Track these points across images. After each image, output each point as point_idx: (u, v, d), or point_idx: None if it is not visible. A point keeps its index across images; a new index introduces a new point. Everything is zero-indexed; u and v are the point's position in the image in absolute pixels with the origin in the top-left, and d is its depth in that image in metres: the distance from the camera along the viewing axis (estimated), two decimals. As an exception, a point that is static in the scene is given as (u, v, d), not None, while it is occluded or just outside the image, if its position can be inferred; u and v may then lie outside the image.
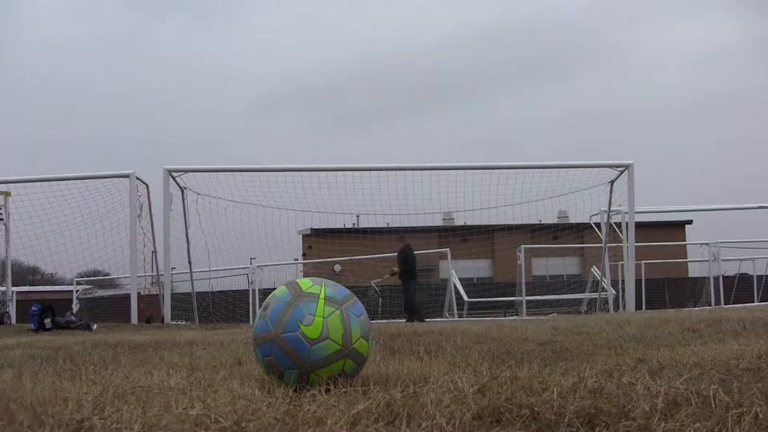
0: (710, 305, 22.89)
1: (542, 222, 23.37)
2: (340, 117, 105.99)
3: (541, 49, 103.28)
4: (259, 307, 2.89)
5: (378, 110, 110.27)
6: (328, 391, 2.45)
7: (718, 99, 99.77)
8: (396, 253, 16.31)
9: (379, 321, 14.46)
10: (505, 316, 21.87)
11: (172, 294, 17.35)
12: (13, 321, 16.61)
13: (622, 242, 19.16)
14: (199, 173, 16.52)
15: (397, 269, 15.83)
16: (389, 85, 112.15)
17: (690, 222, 37.94)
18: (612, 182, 17.14)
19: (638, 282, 21.92)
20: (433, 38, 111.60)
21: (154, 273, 19.09)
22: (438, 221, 27.24)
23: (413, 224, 19.83)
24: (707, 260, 25.74)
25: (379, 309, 21.06)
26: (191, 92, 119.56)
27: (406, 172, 17.19)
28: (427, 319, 15.52)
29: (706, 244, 25.92)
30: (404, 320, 14.63)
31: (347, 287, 2.89)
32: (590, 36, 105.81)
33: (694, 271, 30.00)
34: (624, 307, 17.80)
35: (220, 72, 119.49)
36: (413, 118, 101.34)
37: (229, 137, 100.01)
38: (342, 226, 22.80)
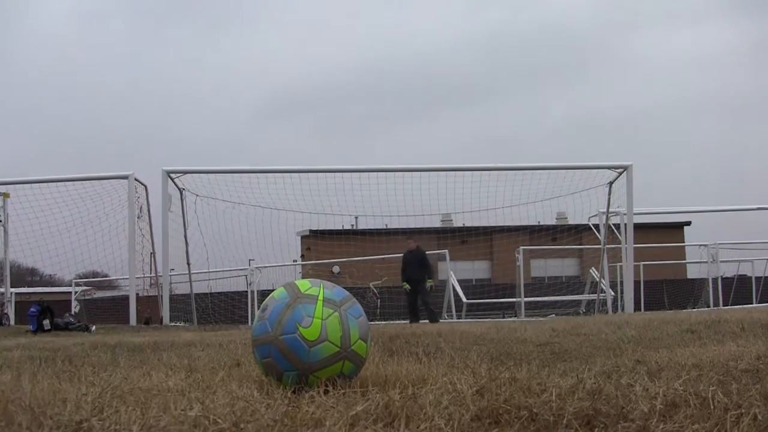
0: (709, 306, 22.90)
1: (541, 223, 23.40)
2: (341, 120, 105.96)
3: (542, 54, 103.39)
4: (258, 309, 2.89)
5: (378, 113, 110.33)
6: (326, 392, 2.45)
7: (718, 101, 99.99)
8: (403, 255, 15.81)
9: (377, 322, 14.46)
10: (503, 317, 21.87)
11: (170, 295, 17.35)
12: (12, 322, 16.59)
13: (620, 243, 19.18)
14: (198, 174, 16.54)
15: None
16: (389, 88, 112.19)
17: (689, 223, 37.92)
18: (611, 183, 17.16)
19: (637, 283, 21.92)
20: (434, 43, 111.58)
21: (153, 274, 19.08)
22: (437, 222, 27.22)
23: (412, 226, 19.84)
24: (706, 261, 25.76)
25: (378, 310, 21.06)
26: (191, 95, 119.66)
27: (405, 173, 17.22)
28: (426, 321, 15.49)
29: (705, 245, 25.94)
30: (408, 322, 14.54)
31: (346, 289, 2.90)
32: (591, 40, 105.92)
33: (693, 272, 30.04)
34: (623, 308, 17.80)
35: (221, 75, 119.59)
36: (413, 120, 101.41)
37: (229, 140, 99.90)
38: (341, 228, 22.81)
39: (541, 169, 17.51)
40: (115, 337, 8.34)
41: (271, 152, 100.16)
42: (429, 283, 15.20)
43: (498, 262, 37.73)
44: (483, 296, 25.07)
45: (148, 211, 16.93)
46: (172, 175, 15.92)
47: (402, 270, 15.52)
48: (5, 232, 16.30)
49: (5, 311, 16.38)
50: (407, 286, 15.32)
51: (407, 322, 14.39)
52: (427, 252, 16.28)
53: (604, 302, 19.55)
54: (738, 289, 27.12)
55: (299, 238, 27.14)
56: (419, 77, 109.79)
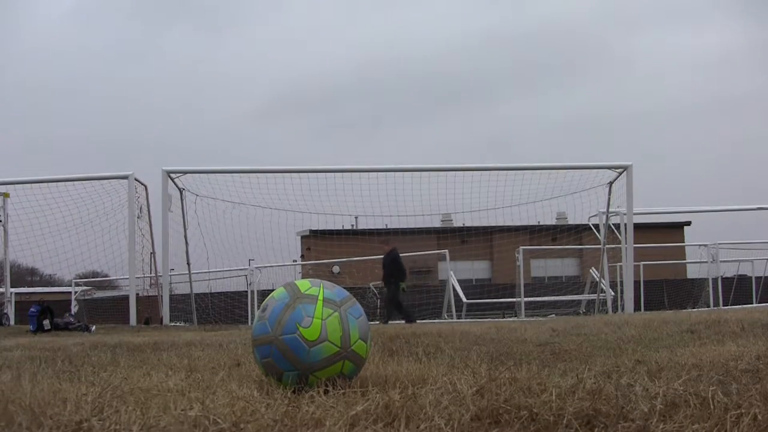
0: (709, 306, 22.89)
1: (541, 223, 23.37)
2: (340, 121, 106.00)
3: (543, 54, 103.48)
4: (258, 309, 2.89)
5: (379, 114, 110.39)
6: (326, 392, 2.45)
7: (717, 102, 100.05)
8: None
9: (377, 322, 14.44)
10: (503, 317, 21.86)
11: (170, 295, 17.34)
12: (12, 322, 16.59)
13: (620, 243, 19.17)
14: (198, 174, 16.54)
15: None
16: (390, 89, 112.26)
17: (689, 223, 37.93)
18: (611, 183, 17.16)
19: (637, 283, 21.91)
20: (434, 44, 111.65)
21: (153, 274, 19.08)
22: (437, 222, 27.20)
23: (412, 226, 19.83)
24: (706, 261, 25.76)
25: (378, 310, 21.04)
26: (191, 96, 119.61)
27: (405, 173, 17.21)
28: (426, 321, 15.48)
29: (705, 245, 25.93)
30: (402, 321, 14.58)
31: (346, 289, 2.90)
32: (592, 41, 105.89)
33: (693, 272, 30.00)
34: (622, 308, 17.80)
35: (221, 75, 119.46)
36: (413, 121, 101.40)
37: (229, 141, 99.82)
38: (341, 228, 22.81)
39: (541, 169, 17.50)
40: (115, 337, 8.34)
41: (271, 152, 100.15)
42: (402, 286, 15.13)
43: (498, 262, 37.73)
44: (483, 296, 25.05)
45: (148, 211, 16.94)
46: (172, 175, 15.92)
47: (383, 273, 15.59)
48: (5, 232, 16.29)
49: (5, 311, 16.37)
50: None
51: (405, 322, 14.40)
52: (426, 252, 16.29)
53: (604, 302, 19.54)
54: (738, 289, 27.10)
55: (299, 238, 27.12)
56: (419, 77, 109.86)
